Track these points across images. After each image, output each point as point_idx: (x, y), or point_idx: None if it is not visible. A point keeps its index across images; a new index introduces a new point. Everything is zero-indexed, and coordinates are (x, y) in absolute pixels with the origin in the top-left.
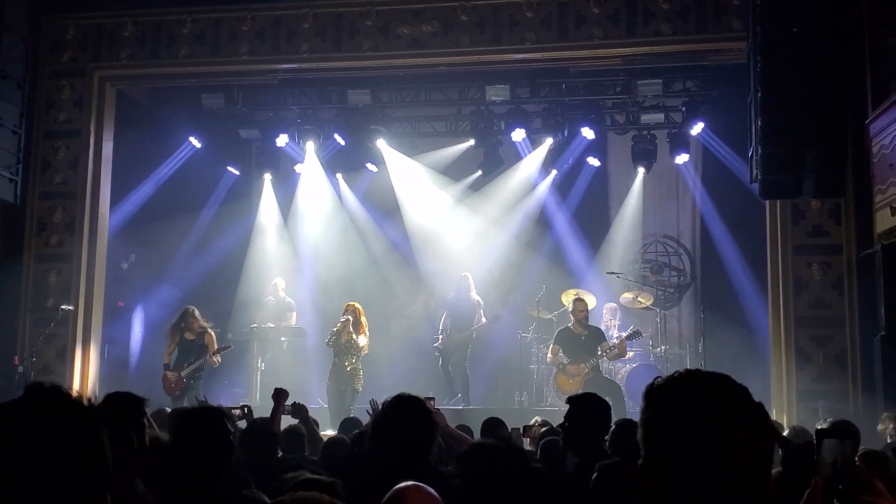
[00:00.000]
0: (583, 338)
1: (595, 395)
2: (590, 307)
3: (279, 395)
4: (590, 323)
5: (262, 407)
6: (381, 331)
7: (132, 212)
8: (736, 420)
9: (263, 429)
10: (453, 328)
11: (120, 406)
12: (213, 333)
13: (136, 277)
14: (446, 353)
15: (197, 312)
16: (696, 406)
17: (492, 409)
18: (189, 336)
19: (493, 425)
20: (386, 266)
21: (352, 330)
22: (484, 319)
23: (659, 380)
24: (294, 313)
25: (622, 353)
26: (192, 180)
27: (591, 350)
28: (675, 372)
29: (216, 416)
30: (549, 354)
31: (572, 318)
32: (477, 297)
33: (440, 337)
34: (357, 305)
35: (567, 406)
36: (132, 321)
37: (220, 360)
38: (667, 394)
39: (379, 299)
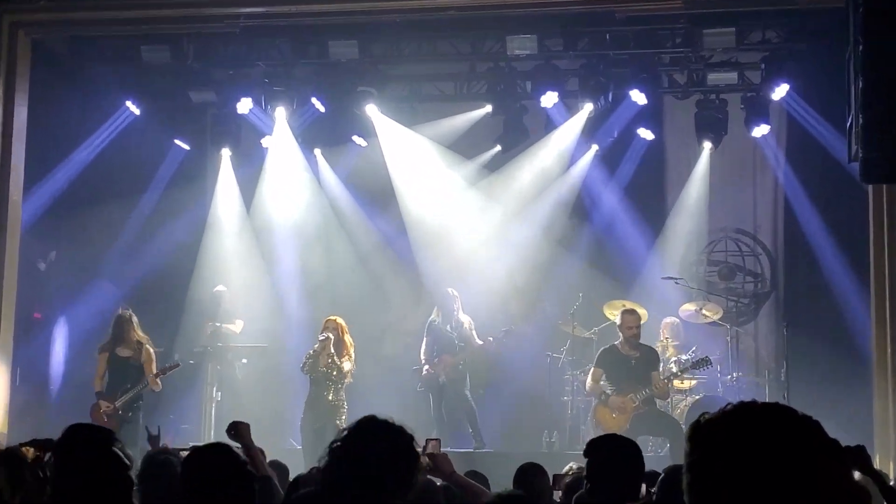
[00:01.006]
0: (633, 361)
1: (618, 437)
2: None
3: (238, 429)
4: (642, 342)
5: None
6: (370, 352)
7: (52, 197)
8: (806, 465)
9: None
10: (443, 353)
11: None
12: (150, 349)
13: (58, 281)
14: (436, 385)
15: (135, 319)
16: (751, 448)
17: (513, 454)
18: (124, 352)
19: (529, 474)
20: (377, 268)
21: (333, 352)
22: (479, 341)
23: (707, 416)
24: (240, 321)
25: (662, 395)
26: (129, 157)
27: (643, 377)
28: (728, 405)
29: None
30: (588, 380)
31: (620, 334)
32: (466, 318)
33: (424, 368)
34: (339, 321)
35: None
36: (53, 337)
37: (160, 384)
38: (715, 432)
39: (368, 311)
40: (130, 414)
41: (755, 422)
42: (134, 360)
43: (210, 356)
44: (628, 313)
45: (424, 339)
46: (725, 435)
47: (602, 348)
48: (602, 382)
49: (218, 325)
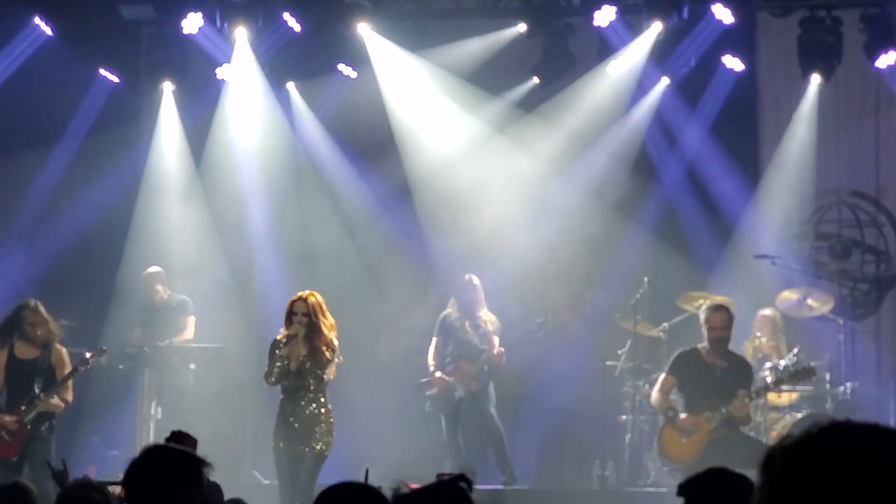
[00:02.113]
0: (718, 373)
1: (726, 471)
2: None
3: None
4: (732, 349)
5: None
6: (359, 356)
7: None
8: None
9: None
10: (459, 358)
11: None
12: (62, 348)
13: None
14: (450, 402)
15: (42, 309)
16: (840, 482)
17: (553, 493)
18: (27, 352)
19: None
20: (370, 244)
21: (304, 350)
22: (500, 348)
23: (788, 440)
24: (191, 318)
25: (741, 419)
26: (40, 93)
27: (728, 394)
28: (814, 425)
29: None
30: (654, 391)
31: (706, 335)
32: (489, 315)
33: (434, 377)
34: (313, 298)
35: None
36: None
37: (70, 394)
38: (795, 462)
39: (357, 302)
40: (41, 432)
41: (849, 449)
42: (41, 361)
43: (147, 360)
44: (716, 310)
45: (434, 339)
46: (808, 466)
47: (680, 351)
48: (673, 396)
49: (167, 342)
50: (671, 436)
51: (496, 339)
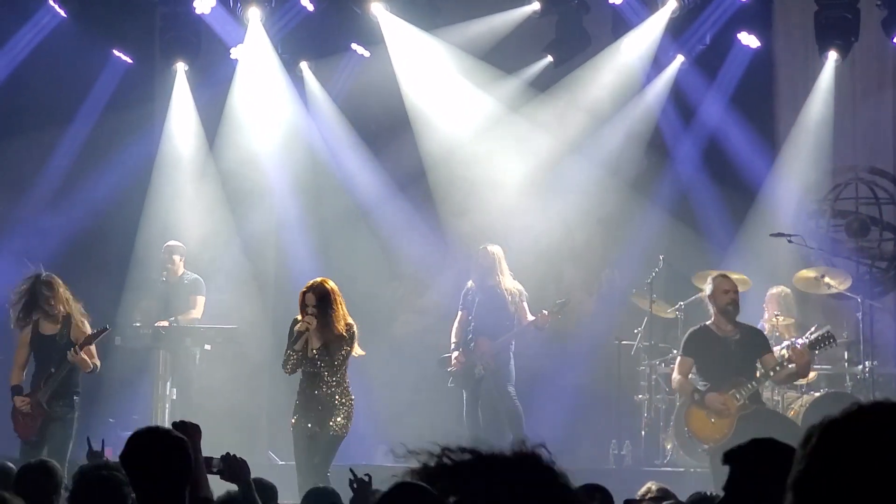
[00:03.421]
0: (732, 344)
1: (772, 441)
2: (743, 289)
3: (186, 432)
4: (740, 320)
5: None
6: (376, 332)
7: None
8: None
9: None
10: (479, 335)
11: None
12: (82, 317)
13: None
14: (471, 379)
15: (60, 285)
16: (880, 461)
17: (569, 471)
18: (48, 328)
19: (590, 498)
20: (385, 222)
21: (319, 338)
22: (531, 316)
23: (828, 419)
24: (201, 298)
25: (802, 371)
26: (53, 74)
27: (748, 365)
28: (854, 405)
29: None
30: (674, 374)
31: (712, 309)
32: (514, 285)
33: (453, 355)
34: (327, 285)
35: (715, 463)
36: None
37: (90, 362)
38: (832, 440)
39: (372, 280)
40: (60, 410)
41: (886, 426)
42: (60, 336)
43: (162, 341)
44: (720, 279)
45: (458, 313)
46: (846, 444)
47: (690, 330)
48: (692, 376)
49: (173, 319)
50: (700, 416)
51: (526, 306)
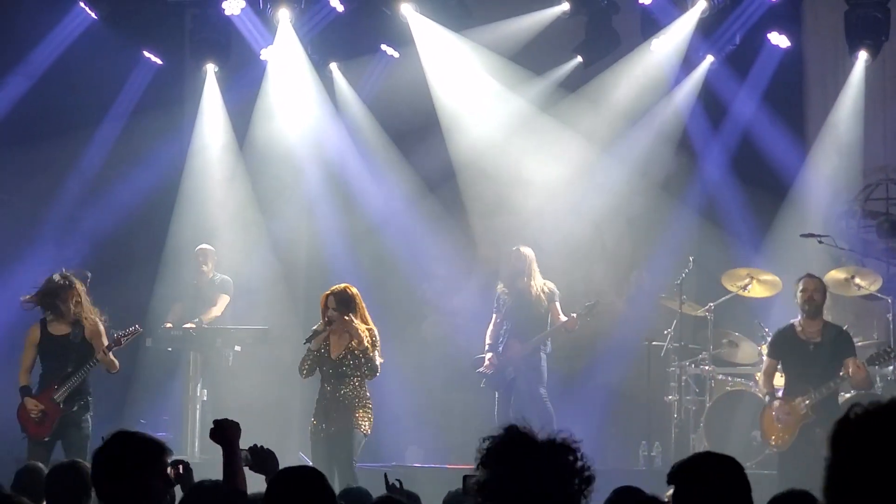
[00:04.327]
0: (811, 347)
1: (712, 455)
2: (773, 291)
3: (224, 431)
4: (829, 321)
5: (207, 463)
6: (406, 332)
7: None
8: None
9: (219, 495)
10: (511, 338)
11: None
12: (98, 321)
13: None
14: (503, 381)
15: (77, 283)
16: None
17: (599, 472)
18: (59, 328)
19: (622, 500)
20: (414, 224)
21: (342, 343)
22: (564, 317)
23: (857, 409)
24: (225, 296)
25: (859, 384)
26: (84, 76)
27: (824, 371)
28: (893, 399)
29: None
30: (760, 375)
31: (800, 309)
32: (546, 284)
33: (487, 356)
34: (349, 292)
35: (780, 467)
36: None
37: (116, 363)
38: (865, 431)
39: (400, 282)
40: (74, 412)
41: None
42: (74, 336)
43: (192, 341)
44: (806, 277)
45: (493, 316)
46: (875, 435)
47: (777, 330)
48: (774, 379)
49: (196, 321)
50: (770, 419)
51: (558, 305)
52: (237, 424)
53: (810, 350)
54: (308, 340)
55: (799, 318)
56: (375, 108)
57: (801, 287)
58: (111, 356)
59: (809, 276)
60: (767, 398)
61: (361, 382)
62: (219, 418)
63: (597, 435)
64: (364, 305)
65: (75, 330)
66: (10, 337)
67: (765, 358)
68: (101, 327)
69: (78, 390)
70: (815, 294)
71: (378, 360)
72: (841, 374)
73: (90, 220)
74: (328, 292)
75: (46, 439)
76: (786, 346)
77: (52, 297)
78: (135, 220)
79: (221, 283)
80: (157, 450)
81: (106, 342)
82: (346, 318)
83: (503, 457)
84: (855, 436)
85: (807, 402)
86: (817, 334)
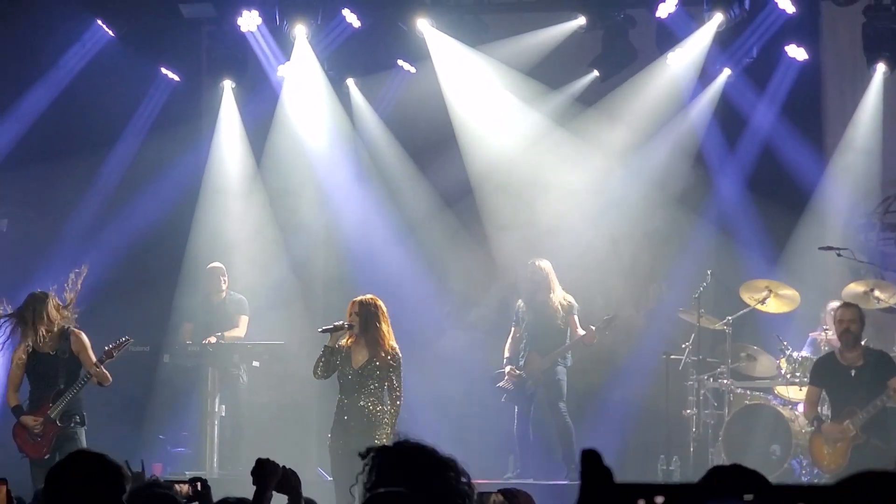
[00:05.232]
0: (853, 372)
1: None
2: (791, 307)
3: (265, 472)
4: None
5: (225, 479)
6: (424, 347)
7: (2, 150)
8: None
9: None
10: (531, 351)
11: None
12: (80, 332)
13: (9, 259)
14: (523, 395)
15: (52, 300)
16: None
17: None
18: (46, 346)
19: None
20: (431, 238)
21: (368, 350)
22: (582, 330)
23: None
24: (245, 317)
25: None
26: (101, 94)
27: (867, 394)
28: None
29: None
30: (804, 404)
31: (838, 338)
32: (565, 297)
33: (506, 370)
34: (378, 302)
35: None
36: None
37: (108, 376)
38: None
39: (418, 296)
40: (75, 425)
41: None
42: (61, 352)
43: (210, 358)
44: (846, 306)
45: (511, 329)
46: None
47: (817, 358)
48: (821, 407)
49: (219, 335)
50: (818, 445)
51: (577, 319)
52: (276, 465)
53: (852, 375)
54: (324, 330)
55: (840, 346)
56: (392, 124)
57: (837, 317)
58: (102, 369)
59: (846, 305)
60: (815, 424)
61: (381, 397)
62: (262, 458)
63: (615, 449)
64: (388, 320)
65: (62, 345)
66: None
67: (809, 387)
68: (86, 341)
69: (72, 406)
70: (852, 325)
71: (389, 359)
72: (885, 395)
73: (109, 236)
74: (356, 300)
75: (47, 457)
76: (828, 374)
77: (34, 313)
78: (153, 236)
79: (238, 302)
80: (115, 473)
81: (93, 355)
82: (371, 328)
83: (391, 469)
84: None
85: (856, 422)
86: (858, 358)
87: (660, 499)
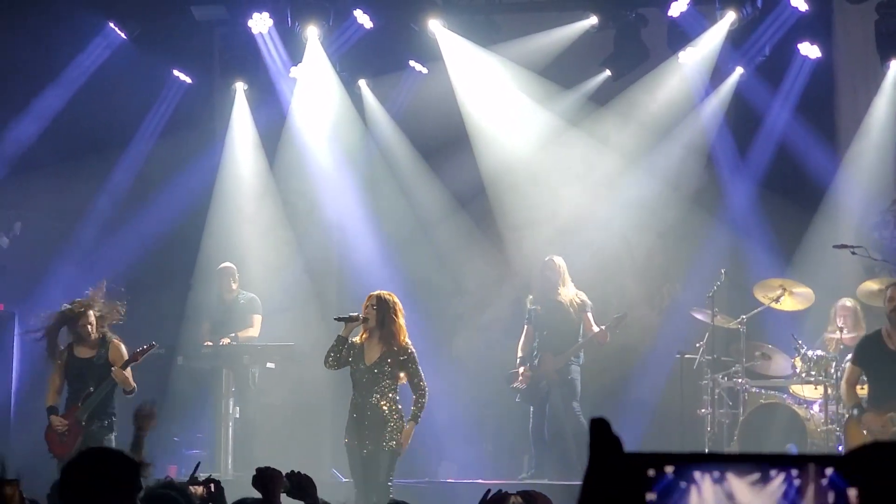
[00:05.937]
0: None
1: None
2: (806, 305)
3: (265, 481)
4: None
5: (240, 480)
6: (438, 348)
7: (15, 153)
8: None
9: None
10: (544, 350)
11: None
12: (120, 343)
13: (24, 261)
14: (537, 394)
15: (93, 310)
16: None
17: None
18: (83, 351)
19: None
20: (445, 238)
21: (383, 344)
22: (596, 328)
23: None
24: (258, 317)
25: None
26: (114, 96)
27: None
28: None
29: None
30: (842, 385)
31: (887, 318)
32: (577, 295)
33: (520, 370)
34: (394, 298)
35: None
36: (15, 334)
37: (131, 382)
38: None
39: (434, 296)
40: (96, 428)
41: None
42: (97, 358)
43: (225, 359)
44: (893, 285)
45: (524, 328)
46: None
47: (863, 335)
48: (862, 389)
49: (232, 336)
50: (856, 433)
51: (590, 316)
52: (279, 474)
53: None
54: (339, 318)
55: (885, 327)
56: (405, 124)
57: (888, 295)
58: (125, 373)
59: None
60: (855, 410)
61: (395, 397)
62: (262, 467)
63: (630, 448)
64: (403, 317)
65: (100, 352)
66: (43, 355)
67: (849, 364)
68: (124, 350)
69: (100, 410)
70: None
71: (401, 380)
72: None
73: (121, 239)
74: (372, 294)
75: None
76: (872, 354)
77: (75, 321)
78: (166, 239)
79: (250, 302)
80: (132, 469)
81: (125, 358)
82: (386, 322)
83: None
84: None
85: None
86: None
87: (670, 468)
